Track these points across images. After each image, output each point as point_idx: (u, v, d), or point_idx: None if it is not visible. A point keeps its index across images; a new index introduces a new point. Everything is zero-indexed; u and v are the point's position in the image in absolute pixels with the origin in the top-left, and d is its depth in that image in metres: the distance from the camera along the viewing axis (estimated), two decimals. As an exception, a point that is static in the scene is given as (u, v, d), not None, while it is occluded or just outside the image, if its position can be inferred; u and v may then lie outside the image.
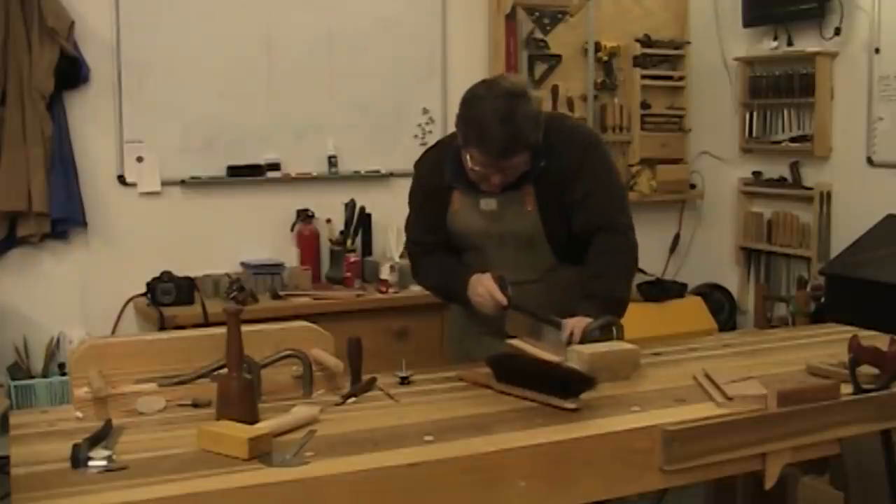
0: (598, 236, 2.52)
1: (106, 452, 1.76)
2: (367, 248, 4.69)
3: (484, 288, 2.49)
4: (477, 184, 2.50)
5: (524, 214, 2.53)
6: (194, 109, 4.44)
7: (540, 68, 5.12)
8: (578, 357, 2.28)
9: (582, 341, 2.35)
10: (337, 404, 2.13)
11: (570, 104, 5.19)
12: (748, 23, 5.31)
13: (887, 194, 4.67)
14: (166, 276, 4.11)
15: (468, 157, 2.44)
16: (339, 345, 2.29)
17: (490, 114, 2.35)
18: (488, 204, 2.54)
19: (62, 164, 4.14)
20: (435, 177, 2.62)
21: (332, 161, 4.69)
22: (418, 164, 2.75)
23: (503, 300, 2.47)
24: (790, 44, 5.15)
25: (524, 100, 2.39)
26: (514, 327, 2.52)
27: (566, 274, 2.57)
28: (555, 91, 5.16)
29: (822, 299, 4.74)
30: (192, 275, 4.19)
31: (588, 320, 2.38)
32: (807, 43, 5.06)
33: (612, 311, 2.43)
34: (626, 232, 2.55)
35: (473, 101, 2.42)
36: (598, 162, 2.56)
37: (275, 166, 4.59)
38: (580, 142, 2.56)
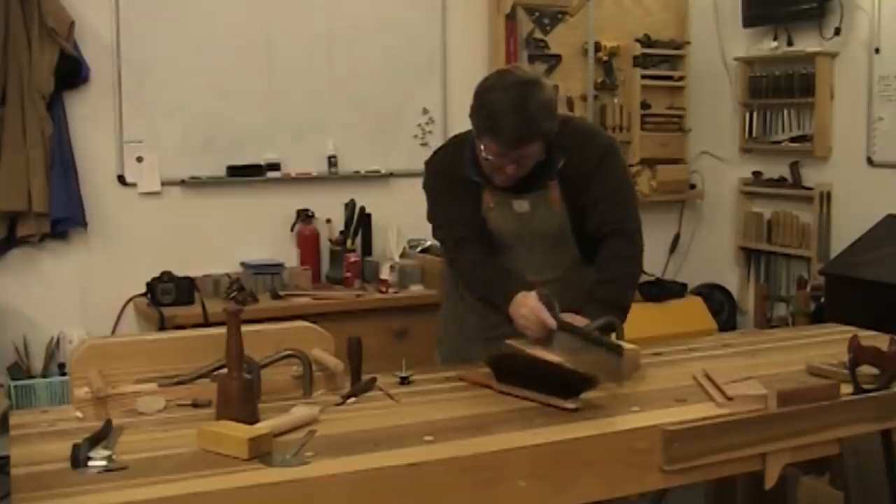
0: (610, 240, 2.51)
1: (106, 452, 1.76)
2: (367, 248, 4.69)
3: (529, 309, 2.34)
4: (490, 176, 2.45)
5: (553, 214, 2.51)
6: (194, 109, 4.44)
7: (540, 68, 5.11)
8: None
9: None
10: (337, 404, 2.13)
11: (570, 104, 5.19)
12: (748, 23, 5.31)
13: (887, 194, 4.67)
14: (166, 276, 4.11)
15: (482, 147, 2.40)
16: (339, 345, 2.29)
17: (503, 102, 2.32)
18: (521, 205, 2.51)
19: (62, 164, 4.14)
20: (458, 171, 2.53)
21: (332, 161, 4.69)
22: (434, 161, 2.65)
23: (552, 323, 2.31)
24: (790, 44, 5.15)
25: (537, 88, 2.36)
26: (561, 349, 2.28)
27: (586, 272, 2.55)
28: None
29: (822, 299, 4.74)
30: (192, 275, 4.19)
31: (587, 321, 2.37)
32: (807, 43, 5.06)
33: (615, 316, 2.42)
34: (635, 237, 2.55)
35: (486, 91, 2.39)
36: (615, 165, 2.55)
37: (275, 166, 4.59)
38: (600, 143, 2.55)
